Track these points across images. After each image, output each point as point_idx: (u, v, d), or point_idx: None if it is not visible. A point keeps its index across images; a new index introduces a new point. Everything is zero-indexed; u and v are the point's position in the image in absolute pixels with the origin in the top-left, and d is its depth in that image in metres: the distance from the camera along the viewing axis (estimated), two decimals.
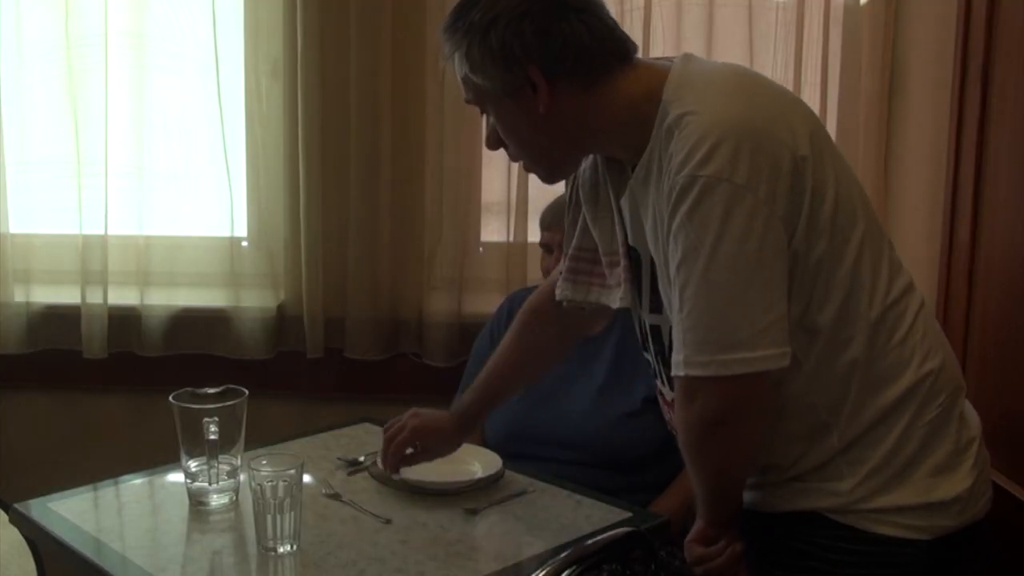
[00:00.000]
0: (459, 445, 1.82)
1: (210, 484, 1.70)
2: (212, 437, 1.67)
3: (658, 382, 1.53)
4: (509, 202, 2.58)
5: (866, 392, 1.35)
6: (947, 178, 2.12)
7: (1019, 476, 1.82)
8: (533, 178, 2.53)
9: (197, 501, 1.73)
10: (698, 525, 1.42)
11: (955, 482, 1.38)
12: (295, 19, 2.49)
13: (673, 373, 1.33)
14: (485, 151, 2.54)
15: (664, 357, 1.45)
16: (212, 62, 2.56)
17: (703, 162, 1.24)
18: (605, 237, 1.50)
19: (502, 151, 1.48)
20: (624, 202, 1.44)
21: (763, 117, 1.29)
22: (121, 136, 2.60)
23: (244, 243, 2.67)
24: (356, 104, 2.52)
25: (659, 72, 1.36)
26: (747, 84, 1.37)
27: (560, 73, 1.35)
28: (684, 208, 1.25)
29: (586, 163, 1.53)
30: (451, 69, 1.43)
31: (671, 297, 1.33)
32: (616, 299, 1.49)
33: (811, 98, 2.54)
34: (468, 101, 1.44)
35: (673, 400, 1.44)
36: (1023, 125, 1.86)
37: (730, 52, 2.52)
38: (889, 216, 2.56)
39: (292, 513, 1.56)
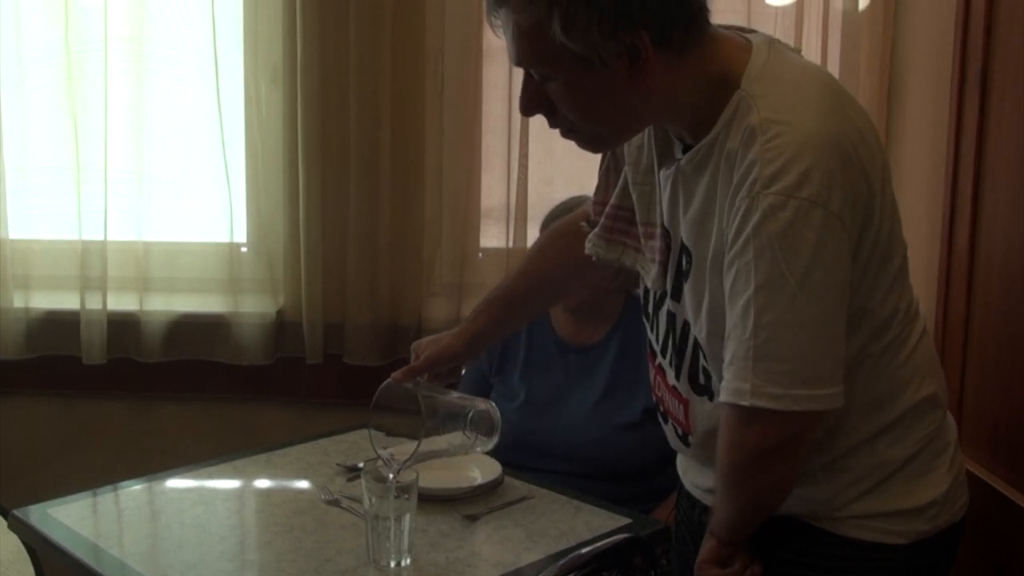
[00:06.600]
0: (463, 367, 1.73)
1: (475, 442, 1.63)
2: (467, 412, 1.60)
3: (662, 360, 1.45)
4: (508, 207, 2.58)
5: (860, 415, 1.33)
6: (946, 182, 2.12)
7: (1019, 481, 1.82)
8: (533, 183, 2.57)
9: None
10: (711, 544, 1.35)
11: (932, 487, 1.37)
12: (295, 25, 2.49)
13: (729, 400, 1.24)
14: (484, 156, 2.59)
15: (677, 346, 1.40)
16: (212, 68, 2.56)
17: (799, 184, 1.17)
18: (643, 204, 1.41)
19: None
20: (666, 178, 1.34)
21: (852, 140, 1.22)
22: (121, 142, 2.60)
23: (243, 249, 2.67)
24: (355, 110, 2.51)
25: (737, 51, 1.26)
26: (835, 94, 1.28)
27: (668, 42, 1.21)
28: (773, 228, 1.17)
29: None
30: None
31: (709, 302, 1.28)
32: (651, 274, 1.40)
33: None
34: (519, 64, 1.26)
35: (673, 386, 1.41)
36: (1022, 128, 1.86)
37: None
38: None
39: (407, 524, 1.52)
